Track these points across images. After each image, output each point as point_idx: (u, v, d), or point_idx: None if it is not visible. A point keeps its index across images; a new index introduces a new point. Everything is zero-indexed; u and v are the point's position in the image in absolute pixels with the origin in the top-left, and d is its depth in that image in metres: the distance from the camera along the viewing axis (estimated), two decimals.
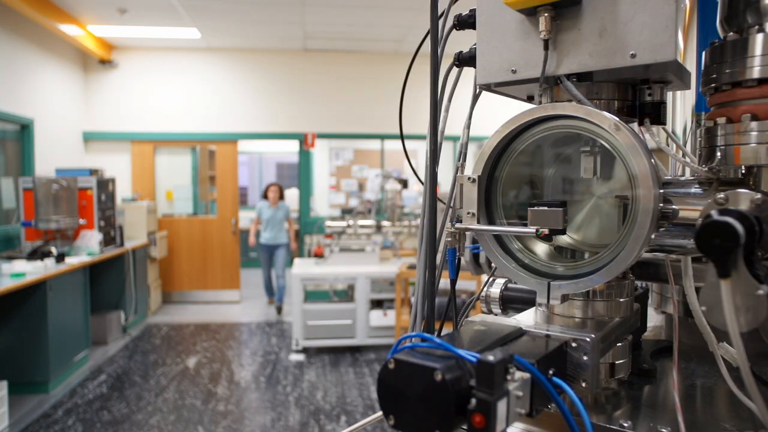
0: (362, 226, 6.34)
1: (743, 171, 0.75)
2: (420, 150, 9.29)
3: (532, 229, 0.75)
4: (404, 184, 6.98)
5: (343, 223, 6.33)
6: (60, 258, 5.03)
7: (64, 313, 4.94)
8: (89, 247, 5.67)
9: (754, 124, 0.72)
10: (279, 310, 7.55)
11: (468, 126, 1.02)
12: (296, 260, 6.44)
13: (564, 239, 0.85)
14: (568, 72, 0.80)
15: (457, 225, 0.84)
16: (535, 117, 0.78)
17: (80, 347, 5.29)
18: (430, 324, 0.94)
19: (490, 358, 0.55)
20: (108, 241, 6.11)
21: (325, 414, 4.32)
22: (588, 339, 0.71)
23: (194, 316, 7.45)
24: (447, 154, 9.16)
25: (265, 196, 7.55)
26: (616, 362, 0.82)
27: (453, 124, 1.03)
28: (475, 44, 0.91)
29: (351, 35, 7.62)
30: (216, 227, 8.29)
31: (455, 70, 1.04)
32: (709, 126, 0.79)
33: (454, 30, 1.01)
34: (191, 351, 5.94)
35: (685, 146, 1.16)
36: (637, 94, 0.85)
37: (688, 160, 0.91)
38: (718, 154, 0.77)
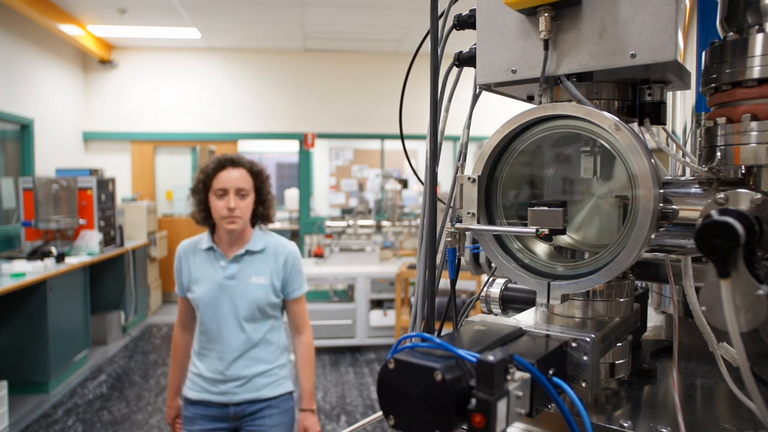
0: (362, 226, 6.33)
1: (743, 171, 0.75)
2: (420, 150, 9.29)
3: (532, 229, 0.75)
4: (404, 184, 6.98)
5: (343, 223, 6.32)
6: (60, 258, 5.03)
7: (64, 313, 4.94)
8: (89, 247, 5.67)
9: (754, 124, 0.72)
10: None
11: (468, 126, 1.02)
12: None
13: (564, 239, 0.85)
14: (568, 72, 0.80)
15: (457, 225, 0.83)
16: (535, 117, 0.78)
17: (80, 347, 5.29)
18: (430, 324, 0.94)
19: (490, 358, 0.55)
20: (108, 241, 6.11)
21: (325, 414, 4.32)
22: (588, 339, 0.71)
23: None
24: (447, 154, 9.17)
25: (204, 216, 2.22)
26: (616, 362, 0.82)
27: (453, 124, 1.03)
28: (475, 44, 0.91)
29: (351, 35, 7.62)
30: None
31: (455, 70, 1.04)
32: (709, 126, 0.79)
33: (454, 30, 1.01)
34: None
35: (685, 146, 1.16)
36: (637, 94, 0.85)
37: (688, 160, 0.91)
38: (718, 154, 0.76)
